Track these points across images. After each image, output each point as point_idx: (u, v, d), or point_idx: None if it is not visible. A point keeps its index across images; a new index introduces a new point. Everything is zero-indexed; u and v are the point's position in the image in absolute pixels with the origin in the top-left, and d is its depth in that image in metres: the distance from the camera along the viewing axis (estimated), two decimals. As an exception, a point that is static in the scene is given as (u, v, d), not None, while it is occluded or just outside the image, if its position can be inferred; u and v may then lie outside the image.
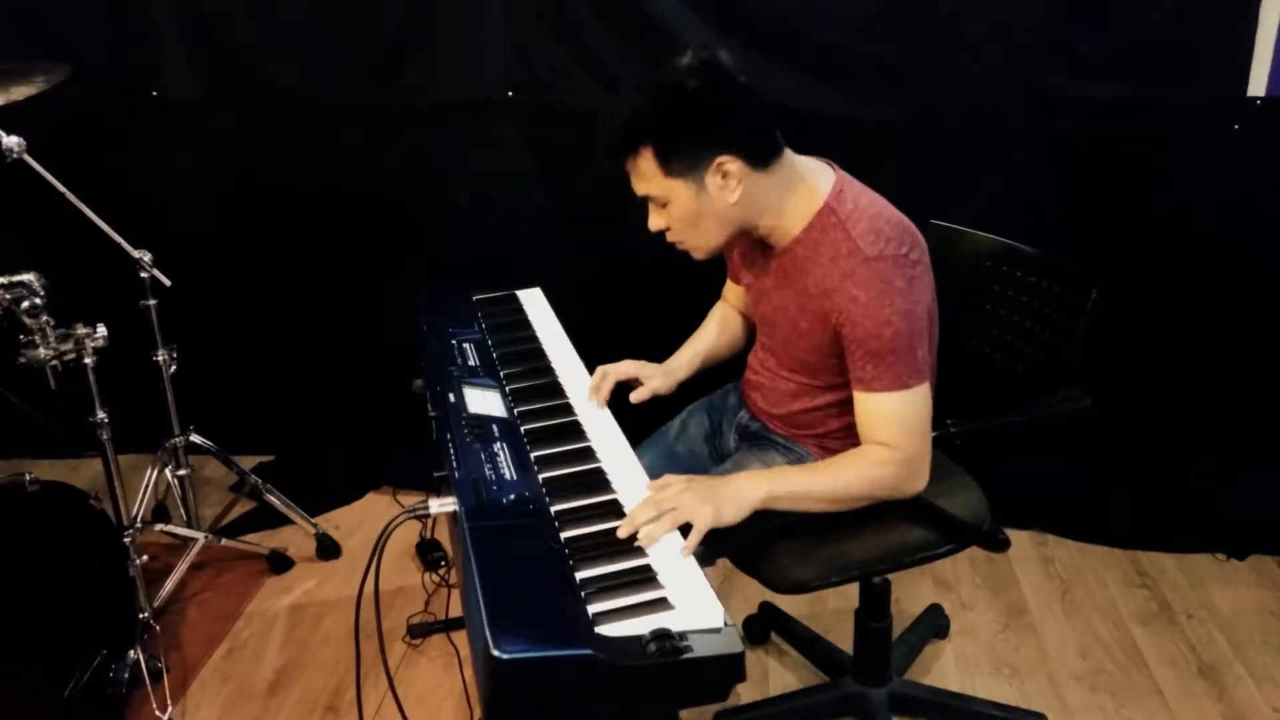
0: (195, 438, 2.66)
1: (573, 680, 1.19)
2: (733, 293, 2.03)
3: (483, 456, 1.56)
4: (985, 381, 1.97)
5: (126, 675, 2.13)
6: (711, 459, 1.97)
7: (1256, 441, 2.74)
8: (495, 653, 1.15)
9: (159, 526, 2.51)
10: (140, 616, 2.27)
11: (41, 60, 2.32)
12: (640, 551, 1.40)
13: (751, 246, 1.78)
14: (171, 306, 2.48)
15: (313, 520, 2.77)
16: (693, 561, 1.39)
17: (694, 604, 1.28)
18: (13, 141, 2.10)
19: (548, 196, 2.91)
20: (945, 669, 2.30)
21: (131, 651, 2.17)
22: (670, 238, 1.68)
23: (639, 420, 1.89)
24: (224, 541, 2.59)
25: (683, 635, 1.21)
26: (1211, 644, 2.35)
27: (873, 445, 1.63)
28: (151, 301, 2.44)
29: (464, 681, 2.26)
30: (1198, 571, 2.61)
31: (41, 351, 2.08)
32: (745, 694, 2.17)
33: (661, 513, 1.45)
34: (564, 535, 1.42)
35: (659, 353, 1.99)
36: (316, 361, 3.13)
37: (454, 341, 1.98)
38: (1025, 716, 2.10)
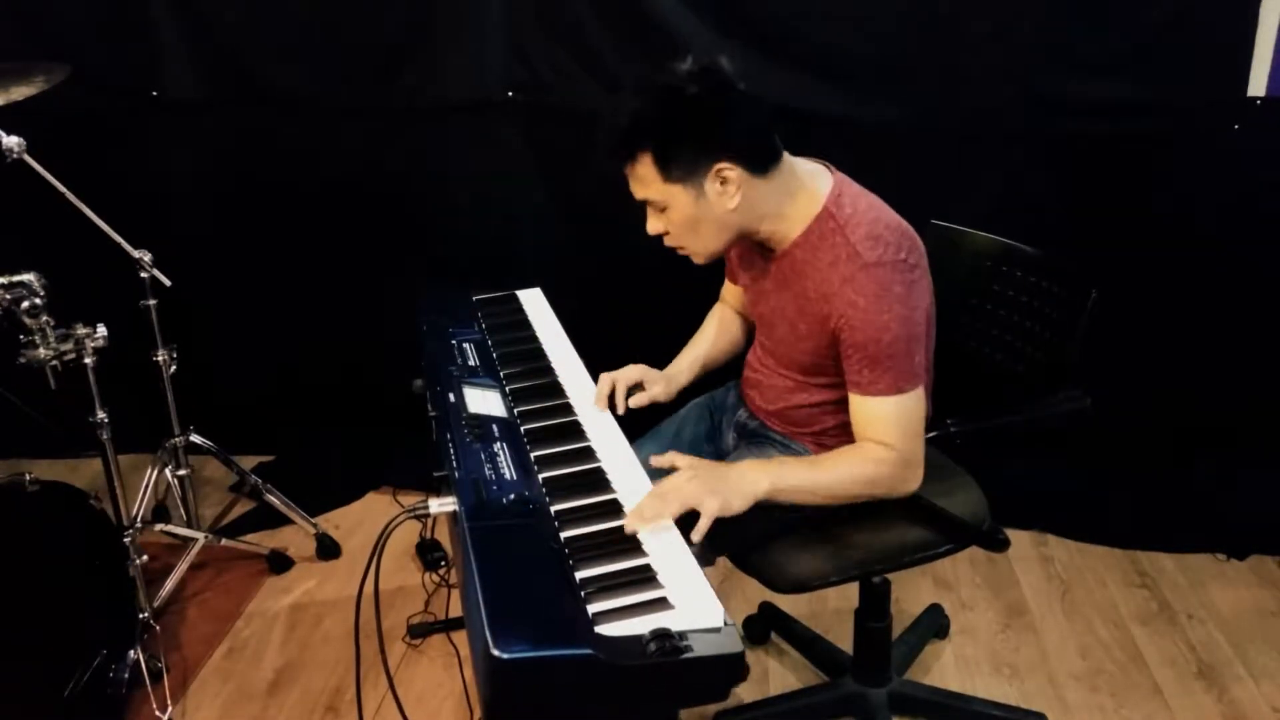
0: (195, 438, 2.66)
1: (573, 680, 1.19)
2: (731, 293, 2.03)
3: (483, 456, 1.56)
4: (985, 381, 1.97)
5: (126, 675, 2.13)
6: (711, 457, 1.96)
7: (1256, 441, 2.74)
8: (495, 653, 1.14)
9: (159, 526, 2.51)
10: (140, 616, 2.27)
11: (41, 60, 2.32)
12: (640, 551, 1.40)
13: (751, 249, 1.78)
14: (171, 306, 2.48)
15: (313, 520, 2.77)
16: (692, 561, 1.39)
17: (694, 603, 1.28)
18: (13, 141, 2.10)
19: (548, 196, 2.91)
20: (945, 669, 2.30)
21: (131, 651, 2.17)
22: (669, 242, 1.68)
23: (638, 420, 1.89)
24: (224, 541, 2.59)
25: (683, 635, 1.21)
26: (1211, 644, 2.35)
27: (869, 443, 1.63)
28: (151, 301, 2.44)
29: (464, 681, 2.26)
30: (1198, 571, 2.61)
31: (41, 351, 2.08)
32: (745, 694, 2.17)
33: (667, 501, 1.46)
34: (564, 535, 1.41)
35: (659, 353, 1.99)
36: (316, 361, 3.13)
37: (454, 341, 1.97)
38: (1025, 716, 2.10)
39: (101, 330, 2.18)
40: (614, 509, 1.49)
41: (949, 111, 2.62)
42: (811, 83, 2.64)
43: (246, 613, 2.54)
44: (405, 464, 3.03)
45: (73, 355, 2.14)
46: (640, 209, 1.67)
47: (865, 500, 1.65)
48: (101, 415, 2.21)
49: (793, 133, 1.66)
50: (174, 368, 2.52)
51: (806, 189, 1.66)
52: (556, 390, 1.84)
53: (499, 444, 1.61)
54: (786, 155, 1.65)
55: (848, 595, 2.19)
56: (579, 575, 1.33)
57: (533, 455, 1.61)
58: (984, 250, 1.99)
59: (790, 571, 1.71)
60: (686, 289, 2.07)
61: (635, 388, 1.86)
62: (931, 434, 1.75)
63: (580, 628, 1.22)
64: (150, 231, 2.45)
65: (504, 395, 1.79)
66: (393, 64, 2.80)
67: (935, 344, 1.76)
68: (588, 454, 1.64)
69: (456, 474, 1.51)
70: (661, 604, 1.28)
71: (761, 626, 2.38)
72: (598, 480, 1.57)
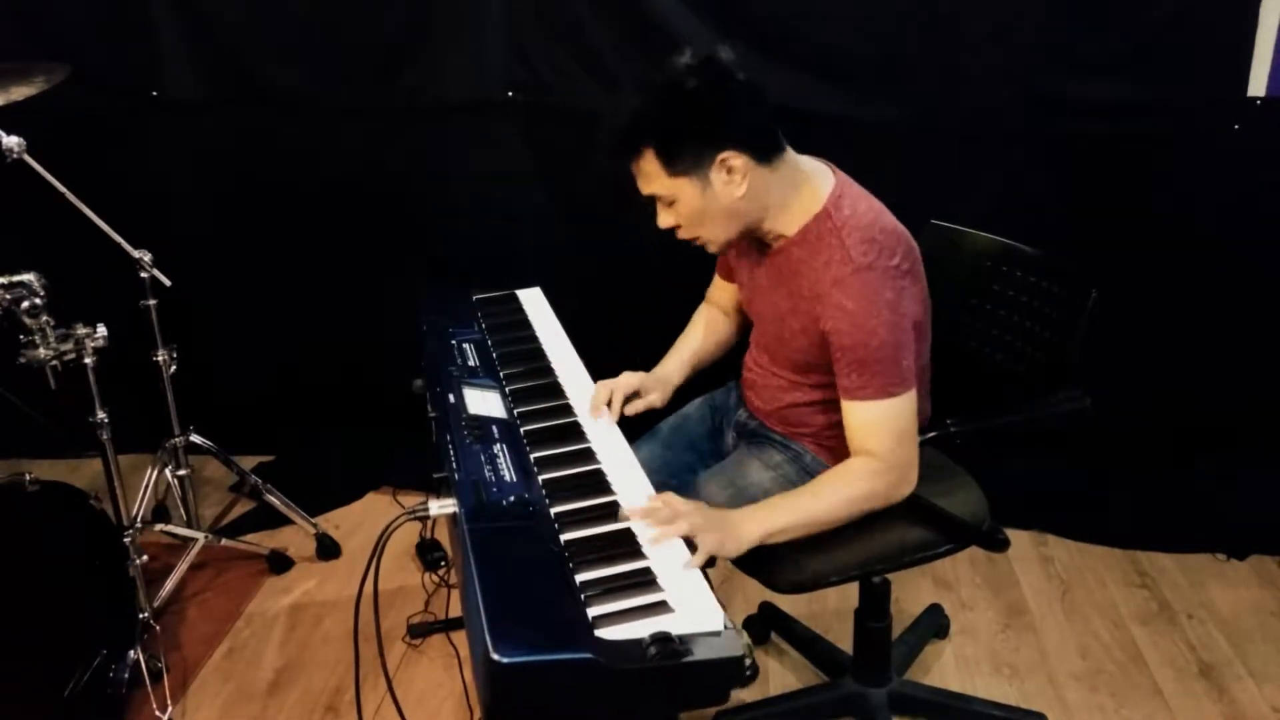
0: (195, 438, 2.66)
1: (572, 684, 1.19)
2: (719, 291, 2.03)
3: (482, 458, 1.56)
4: (985, 381, 1.97)
5: (126, 675, 2.13)
6: (710, 456, 1.97)
7: (1256, 441, 2.74)
8: (495, 657, 1.14)
9: (159, 526, 2.51)
10: (140, 616, 2.27)
11: (41, 60, 2.32)
12: (640, 554, 1.40)
13: (748, 245, 1.79)
14: (171, 306, 2.48)
15: (313, 520, 2.77)
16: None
17: (694, 607, 1.28)
18: (13, 141, 2.10)
19: (548, 196, 2.91)
20: (945, 669, 2.30)
21: (131, 651, 2.17)
22: (681, 235, 1.69)
23: (638, 421, 1.89)
24: (224, 541, 2.59)
25: (683, 638, 1.21)
26: (1211, 644, 2.35)
27: (858, 458, 1.63)
28: (151, 301, 2.44)
29: (464, 682, 2.26)
30: (1198, 571, 2.61)
31: (41, 351, 2.08)
32: (745, 694, 2.17)
33: (676, 518, 1.46)
34: (564, 538, 1.41)
35: (659, 352, 1.99)
36: (316, 361, 3.13)
37: (454, 341, 1.97)
38: (1025, 716, 2.11)
39: (101, 330, 2.17)
40: (614, 511, 1.48)
41: (949, 111, 2.62)
42: (811, 83, 2.64)
43: (246, 613, 2.54)
44: (405, 464, 3.03)
45: (73, 355, 2.14)
46: (640, 208, 1.68)
47: (867, 514, 1.65)
48: (101, 415, 2.21)
49: (793, 133, 1.66)
50: (174, 368, 2.52)
51: (810, 184, 1.66)
52: (556, 391, 1.84)
53: (499, 445, 1.60)
54: (790, 149, 1.65)
55: (848, 595, 2.19)
56: (579, 578, 1.33)
57: (533, 457, 1.61)
58: (984, 250, 1.99)
59: (790, 571, 1.70)
60: (686, 289, 2.07)
61: (632, 395, 1.86)
62: (931, 434, 1.76)
63: (580, 631, 1.22)
64: (150, 231, 2.45)
65: (504, 396, 1.79)
66: (393, 64, 2.80)
67: (935, 344, 1.76)
68: (588, 455, 1.64)
69: (456, 475, 1.51)
70: (662, 607, 1.28)
71: (761, 626, 2.38)
72: (598, 482, 1.56)
